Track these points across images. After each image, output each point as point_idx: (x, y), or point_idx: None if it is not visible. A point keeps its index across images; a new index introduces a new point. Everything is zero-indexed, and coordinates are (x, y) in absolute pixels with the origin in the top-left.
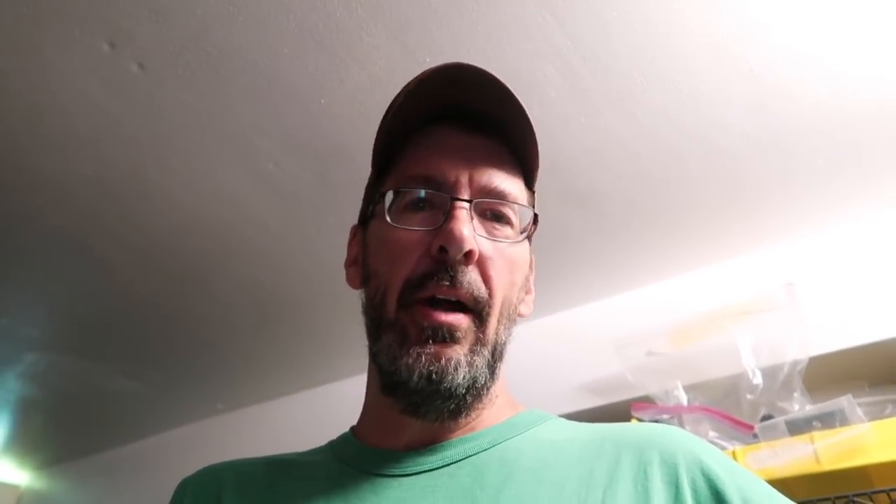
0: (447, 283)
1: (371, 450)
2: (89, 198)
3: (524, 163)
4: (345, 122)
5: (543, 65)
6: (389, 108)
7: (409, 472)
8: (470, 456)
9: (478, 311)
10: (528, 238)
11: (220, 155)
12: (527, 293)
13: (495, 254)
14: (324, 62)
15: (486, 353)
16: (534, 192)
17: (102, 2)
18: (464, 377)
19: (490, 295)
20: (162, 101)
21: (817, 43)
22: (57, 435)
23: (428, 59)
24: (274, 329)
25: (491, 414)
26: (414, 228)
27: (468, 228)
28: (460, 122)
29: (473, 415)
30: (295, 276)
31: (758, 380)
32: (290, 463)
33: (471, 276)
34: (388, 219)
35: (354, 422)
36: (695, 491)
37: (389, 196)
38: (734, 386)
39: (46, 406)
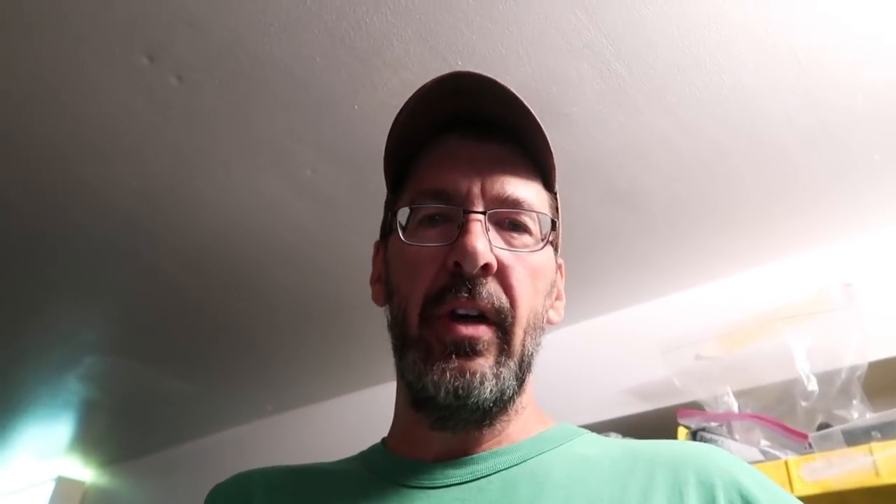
0: (466, 296)
1: (401, 461)
2: (134, 207)
3: (540, 165)
4: (379, 127)
5: (578, 63)
6: (395, 121)
7: (439, 485)
8: (500, 471)
9: (500, 322)
10: (552, 244)
11: (258, 162)
12: (556, 299)
13: (515, 263)
14: (356, 68)
15: (513, 364)
16: (556, 194)
17: (140, 16)
18: (490, 391)
19: (513, 305)
20: (201, 111)
21: (867, 21)
22: (118, 434)
23: (460, 62)
24: (319, 332)
25: (518, 427)
26: (429, 245)
27: (482, 242)
28: (471, 130)
29: (499, 426)
30: (336, 279)
31: (813, 386)
32: (320, 472)
33: (490, 287)
34: (401, 237)
35: None
36: None
37: (405, 212)
38: (788, 392)
39: (107, 406)
